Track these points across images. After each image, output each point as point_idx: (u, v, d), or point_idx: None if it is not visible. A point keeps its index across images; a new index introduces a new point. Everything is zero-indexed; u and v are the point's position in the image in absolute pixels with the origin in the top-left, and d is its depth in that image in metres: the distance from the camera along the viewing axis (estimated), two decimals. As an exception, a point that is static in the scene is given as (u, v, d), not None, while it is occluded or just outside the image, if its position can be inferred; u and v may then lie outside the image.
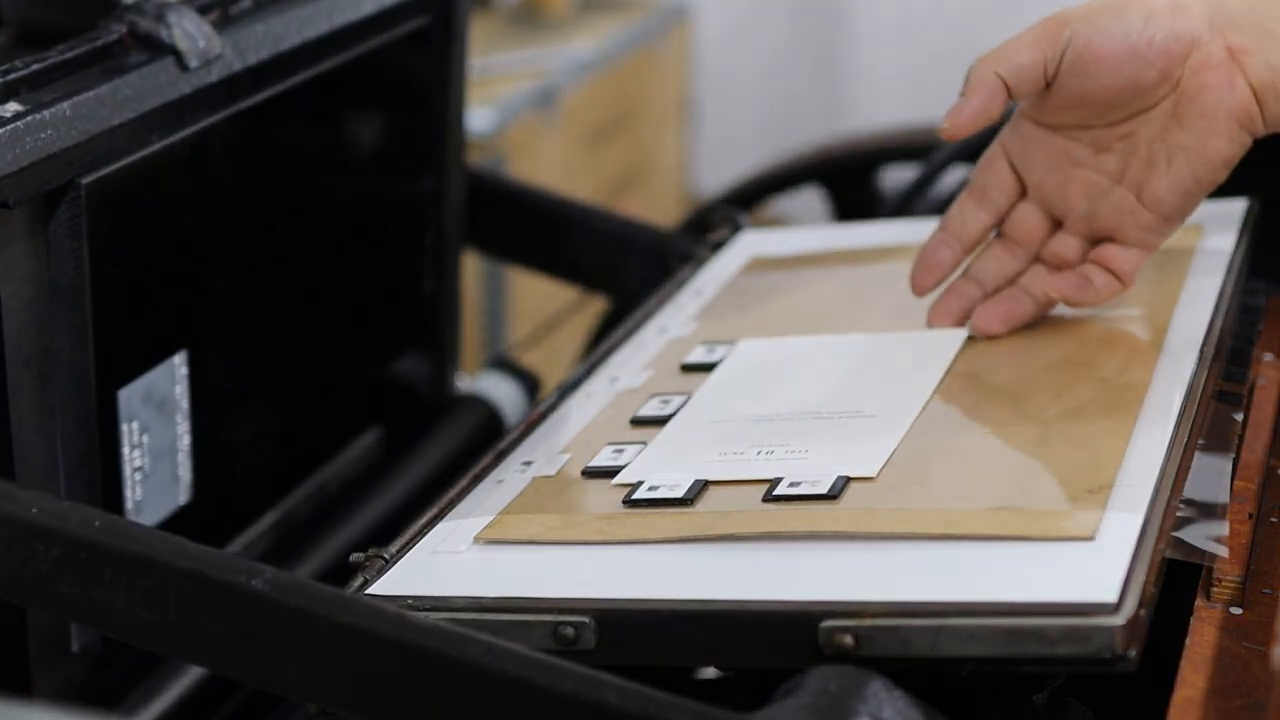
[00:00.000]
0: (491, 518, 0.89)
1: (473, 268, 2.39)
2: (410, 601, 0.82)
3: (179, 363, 1.04)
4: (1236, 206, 1.09)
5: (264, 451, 1.16)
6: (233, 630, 0.78)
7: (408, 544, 0.89)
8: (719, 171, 2.91)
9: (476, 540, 0.88)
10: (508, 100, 2.56)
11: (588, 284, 1.40)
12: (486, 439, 1.30)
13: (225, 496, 1.11)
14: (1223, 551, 0.82)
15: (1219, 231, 1.07)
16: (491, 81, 2.57)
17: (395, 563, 0.87)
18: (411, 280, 1.28)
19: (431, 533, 0.90)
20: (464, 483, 0.94)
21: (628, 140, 2.93)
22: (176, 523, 1.05)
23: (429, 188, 1.26)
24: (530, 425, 1.00)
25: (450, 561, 0.87)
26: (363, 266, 1.23)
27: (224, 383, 1.09)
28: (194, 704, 1.05)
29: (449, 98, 1.25)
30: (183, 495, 1.07)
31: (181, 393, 1.05)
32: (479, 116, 2.41)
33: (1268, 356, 1.02)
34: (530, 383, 1.39)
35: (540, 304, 2.51)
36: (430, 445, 1.29)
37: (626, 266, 1.35)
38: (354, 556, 0.88)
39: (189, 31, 1.00)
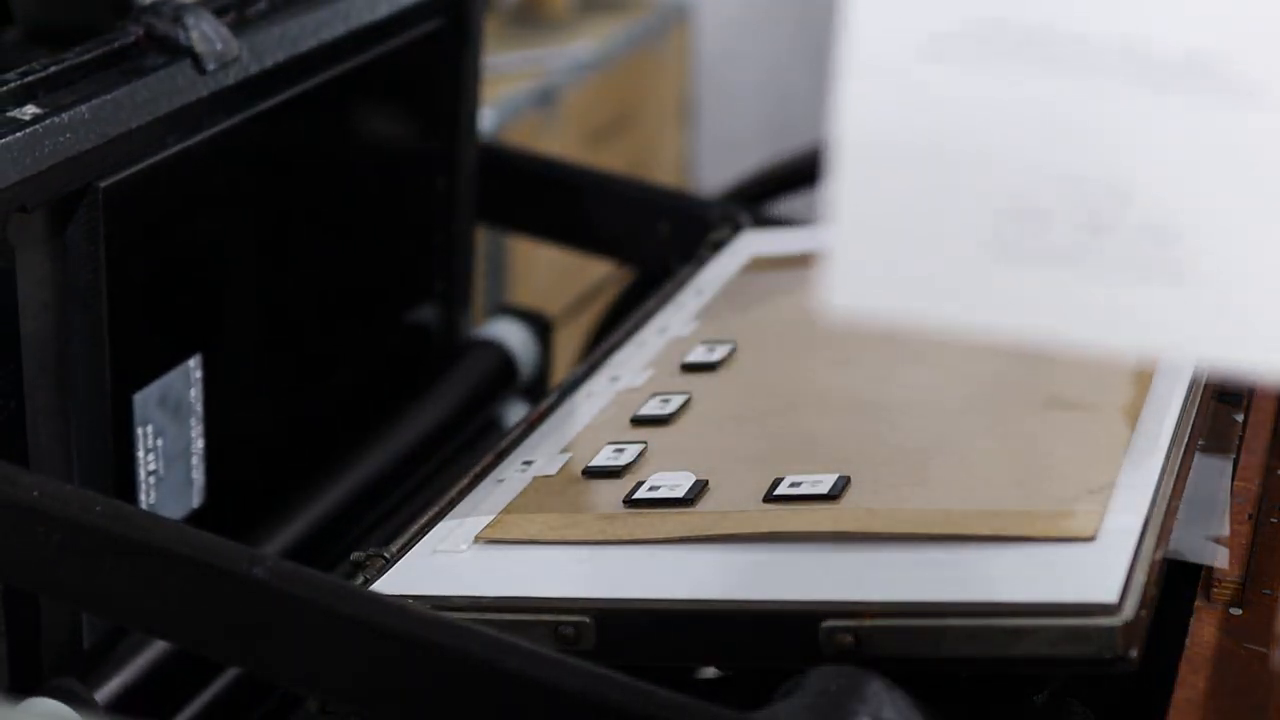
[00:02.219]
0: (492, 517, 0.90)
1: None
2: (411, 601, 0.82)
3: (194, 366, 1.04)
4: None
5: (278, 454, 1.16)
6: (233, 618, 0.79)
7: (408, 543, 0.89)
8: (719, 171, 2.91)
9: (477, 540, 0.88)
10: (508, 100, 2.56)
11: (615, 255, 1.37)
12: (501, 382, 1.30)
13: (239, 500, 1.11)
14: (1223, 552, 0.82)
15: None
16: (491, 81, 2.56)
17: (396, 562, 0.88)
18: (424, 282, 1.28)
19: (432, 532, 0.90)
20: (464, 482, 0.94)
21: (628, 140, 2.93)
22: (190, 526, 1.05)
23: (441, 188, 1.26)
24: (531, 425, 1.00)
25: (451, 561, 0.87)
26: (376, 266, 1.23)
27: (238, 386, 1.09)
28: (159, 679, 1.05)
29: (462, 99, 1.26)
30: (196, 498, 1.07)
31: (196, 396, 1.05)
32: (479, 116, 2.41)
33: (1267, 358, 1.03)
34: (541, 324, 1.38)
35: (540, 298, 2.51)
36: (447, 388, 1.29)
37: (656, 234, 1.31)
38: (354, 555, 0.88)
39: (206, 34, 1.00)
